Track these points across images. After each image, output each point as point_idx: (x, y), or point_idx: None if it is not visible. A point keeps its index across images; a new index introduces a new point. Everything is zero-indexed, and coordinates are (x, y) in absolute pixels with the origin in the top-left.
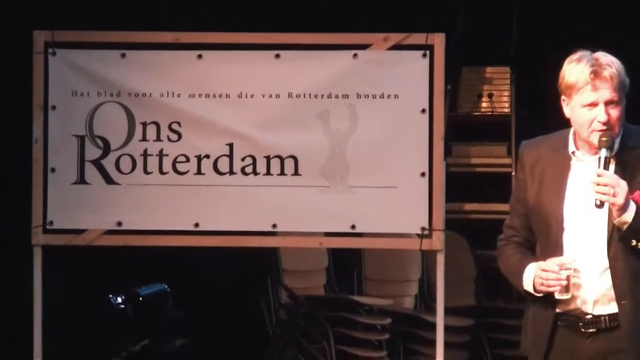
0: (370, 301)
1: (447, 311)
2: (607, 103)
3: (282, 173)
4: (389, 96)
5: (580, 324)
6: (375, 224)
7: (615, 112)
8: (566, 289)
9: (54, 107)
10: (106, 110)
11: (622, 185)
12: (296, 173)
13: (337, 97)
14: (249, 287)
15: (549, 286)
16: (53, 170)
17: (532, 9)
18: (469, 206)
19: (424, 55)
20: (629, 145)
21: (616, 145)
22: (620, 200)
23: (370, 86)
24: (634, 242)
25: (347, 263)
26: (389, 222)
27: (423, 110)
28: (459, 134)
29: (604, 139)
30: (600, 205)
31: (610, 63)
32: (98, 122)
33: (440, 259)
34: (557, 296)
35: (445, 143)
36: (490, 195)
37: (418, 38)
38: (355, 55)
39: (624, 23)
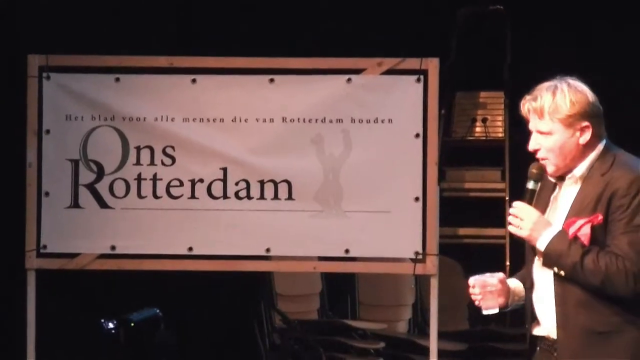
0: (363, 325)
1: (441, 335)
2: (538, 132)
3: (276, 197)
4: (382, 121)
5: (554, 347)
6: (369, 249)
7: (546, 142)
8: (488, 304)
9: (48, 131)
10: (100, 134)
11: (529, 219)
12: (290, 197)
13: (331, 121)
14: (242, 312)
15: (473, 300)
16: (47, 194)
17: (525, 33)
18: (462, 231)
19: (418, 80)
20: (598, 173)
21: (580, 172)
22: (523, 233)
23: (364, 111)
24: (556, 270)
25: (340, 287)
26: (382, 247)
27: (417, 135)
28: (453, 159)
29: (533, 170)
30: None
31: (544, 95)
32: (92, 147)
33: (434, 283)
34: (483, 312)
35: (439, 168)
36: (484, 220)
37: (412, 63)
38: (349, 79)
39: (617, 46)
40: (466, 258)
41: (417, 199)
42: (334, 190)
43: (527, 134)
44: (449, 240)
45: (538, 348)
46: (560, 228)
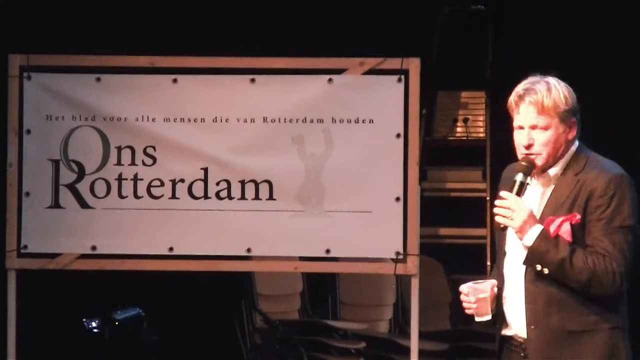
0: (344, 325)
1: (422, 335)
2: (532, 127)
3: (257, 197)
4: (364, 121)
5: (520, 348)
6: (350, 249)
7: (541, 137)
8: (481, 312)
9: (29, 131)
10: (81, 134)
11: (522, 210)
12: (271, 197)
13: (312, 121)
14: (223, 311)
15: (465, 309)
16: (28, 194)
17: (507, 34)
18: (444, 231)
19: (399, 79)
20: (571, 172)
21: (555, 171)
22: (515, 224)
23: (346, 111)
24: (538, 267)
25: (321, 287)
26: (363, 247)
27: (398, 135)
28: (434, 159)
29: (522, 163)
30: (504, 228)
31: (541, 89)
32: (73, 146)
33: (415, 283)
34: (476, 319)
35: (421, 168)
36: (465, 220)
37: (393, 63)
38: (330, 79)
39: (600, 46)
40: (447, 258)
41: (398, 199)
42: (315, 190)
43: (509, 134)
44: (430, 240)
45: (505, 349)
46: (541, 226)
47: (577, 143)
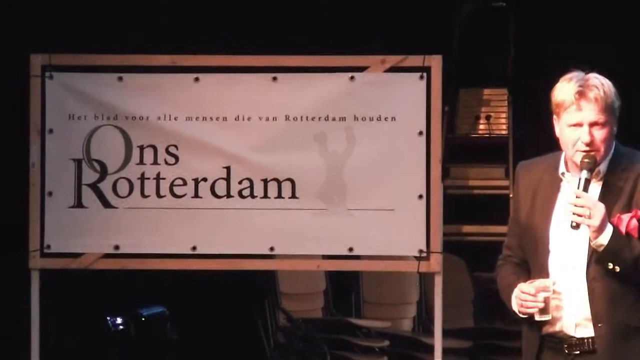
0: (368, 324)
1: (445, 333)
2: (592, 124)
3: (280, 196)
4: (386, 118)
5: (565, 345)
6: (373, 247)
7: (600, 134)
8: (544, 311)
9: (51, 131)
10: (103, 133)
11: (599, 208)
12: (293, 196)
13: (334, 119)
14: (246, 310)
15: (527, 307)
16: (50, 194)
17: (528, 30)
18: (466, 228)
19: (421, 77)
20: (618, 167)
21: (604, 167)
22: (595, 222)
23: (367, 108)
24: (610, 265)
25: (345, 286)
26: (386, 245)
27: (420, 133)
28: (457, 156)
29: (585, 160)
30: (576, 226)
31: (598, 85)
32: (95, 146)
33: (438, 281)
34: (537, 318)
35: (443, 165)
36: (488, 217)
37: (415, 60)
38: (352, 77)
39: (621, 43)
40: (470, 255)
41: (420, 196)
42: (337, 188)
43: (530, 131)
44: (453, 237)
45: (545, 347)
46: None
47: None
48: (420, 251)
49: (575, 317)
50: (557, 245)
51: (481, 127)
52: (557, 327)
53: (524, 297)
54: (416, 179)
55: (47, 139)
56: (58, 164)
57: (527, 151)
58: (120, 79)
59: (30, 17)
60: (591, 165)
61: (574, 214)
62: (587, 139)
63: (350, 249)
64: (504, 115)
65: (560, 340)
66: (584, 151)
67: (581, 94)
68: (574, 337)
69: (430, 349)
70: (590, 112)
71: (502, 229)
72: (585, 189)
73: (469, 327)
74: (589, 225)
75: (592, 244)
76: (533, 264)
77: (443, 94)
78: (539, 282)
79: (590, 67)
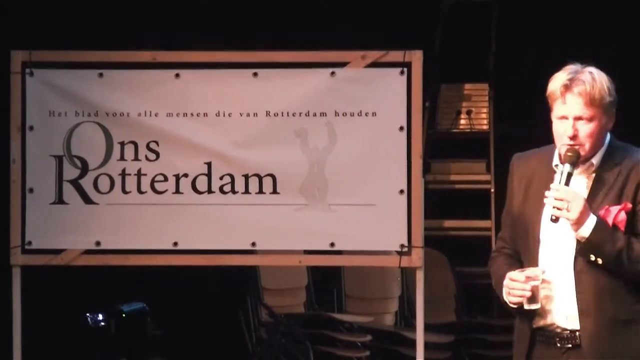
0: (350, 319)
1: (428, 328)
2: (577, 118)
3: (261, 191)
4: (367, 114)
5: (557, 339)
6: (355, 242)
7: (585, 129)
8: (533, 299)
9: (31, 128)
10: (84, 130)
11: (578, 201)
12: (275, 191)
13: (315, 115)
14: (228, 306)
15: (515, 296)
16: (31, 190)
17: (510, 26)
18: (448, 223)
19: (402, 72)
20: (611, 161)
21: (597, 161)
22: (573, 215)
23: (348, 104)
24: (592, 257)
25: (326, 281)
26: (368, 240)
27: (401, 128)
28: (438, 151)
29: (568, 154)
30: (555, 220)
31: (587, 80)
32: (76, 142)
33: (420, 276)
34: (526, 307)
35: (424, 160)
36: (469, 212)
37: (396, 55)
38: (333, 73)
39: (604, 38)
40: (452, 250)
41: (402, 191)
42: (318, 183)
43: (511, 126)
44: (435, 232)
45: (537, 341)
46: (595, 217)
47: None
48: (402, 246)
49: (565, 309)
50: (548, 236)
51: (462, 122)
52: (548, 320)
53: (512, 285)
54: (397, 174)
55: (27, 136)
56: (39, 160)
57: (508, 146)
58: (100, 75)
59: (10, 14)
60: (574, 159)
61: (553, 207)
62: (570, 132)
63: (332, 244)
64: (485, 110)
65: (552, 334)
66: (568, 145)
67: (567, 87)
68: (566, 331)
69: (412, 343)
70: (575, 106)
71: (483, 223)
72: (567, 183)
73: (451, 321)
74: (567, 219)
75: (575, 235)
76: (524, 254)
77: (424, 89)
78: (529, 271)
79: (573, 62)
